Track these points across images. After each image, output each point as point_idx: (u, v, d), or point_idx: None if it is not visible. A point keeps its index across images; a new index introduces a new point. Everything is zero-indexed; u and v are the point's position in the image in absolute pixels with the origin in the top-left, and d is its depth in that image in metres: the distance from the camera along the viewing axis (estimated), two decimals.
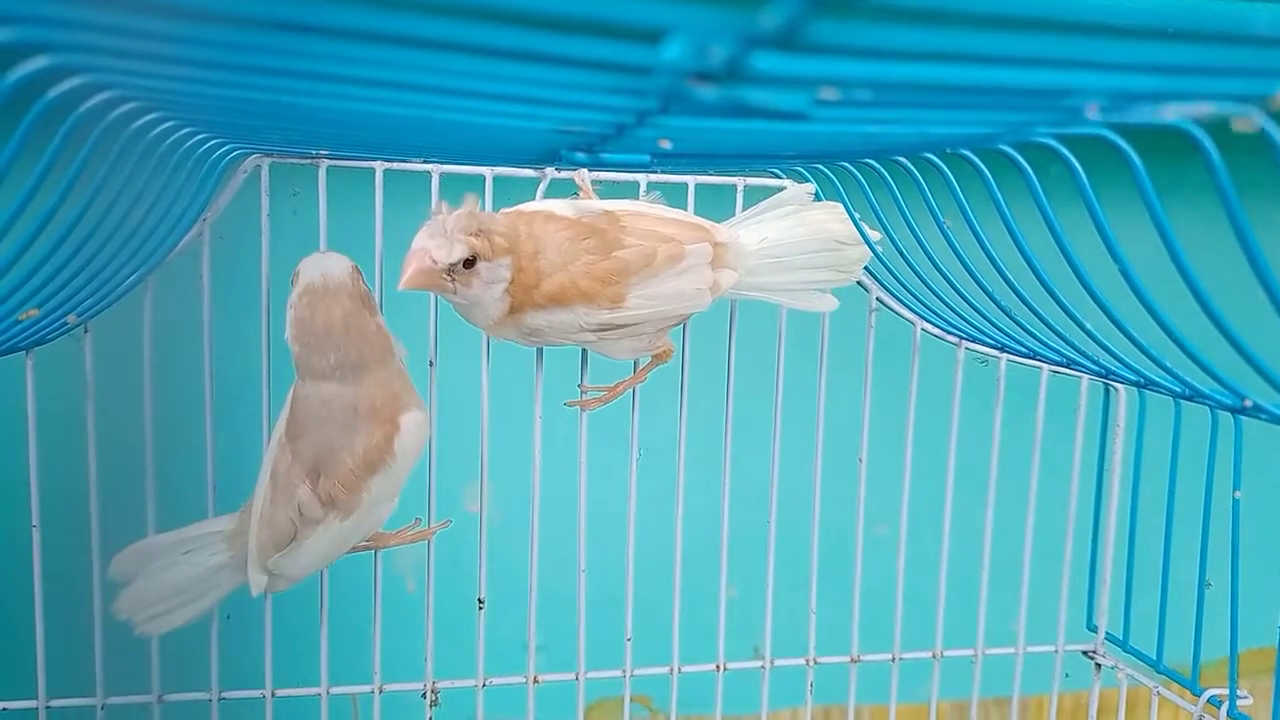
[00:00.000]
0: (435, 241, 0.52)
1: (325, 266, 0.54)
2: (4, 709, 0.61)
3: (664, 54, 0.24)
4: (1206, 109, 0.30)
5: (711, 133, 0.38)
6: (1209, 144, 0.31)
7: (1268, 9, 0.23)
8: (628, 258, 0.56)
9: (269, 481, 0.57)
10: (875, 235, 0.60)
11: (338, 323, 0.53)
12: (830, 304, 0.63)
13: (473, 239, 0.52)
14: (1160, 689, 0.70)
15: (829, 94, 0.27)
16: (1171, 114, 0.30)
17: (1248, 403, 0.46)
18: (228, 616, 0.63)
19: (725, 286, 0.59)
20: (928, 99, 0.30)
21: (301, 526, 0.56)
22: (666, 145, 0.40)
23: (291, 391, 0.57)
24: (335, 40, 0.24)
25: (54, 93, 0.32)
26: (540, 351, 0.64)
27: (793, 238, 0.61)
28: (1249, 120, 0.29)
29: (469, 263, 0.52)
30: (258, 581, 0.57)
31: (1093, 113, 0.30)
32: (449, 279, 0.53)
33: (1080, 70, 0.26)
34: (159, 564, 0.57)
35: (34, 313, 0.48)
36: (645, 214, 0.59)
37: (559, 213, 0.56)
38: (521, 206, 0.58)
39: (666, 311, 0.58)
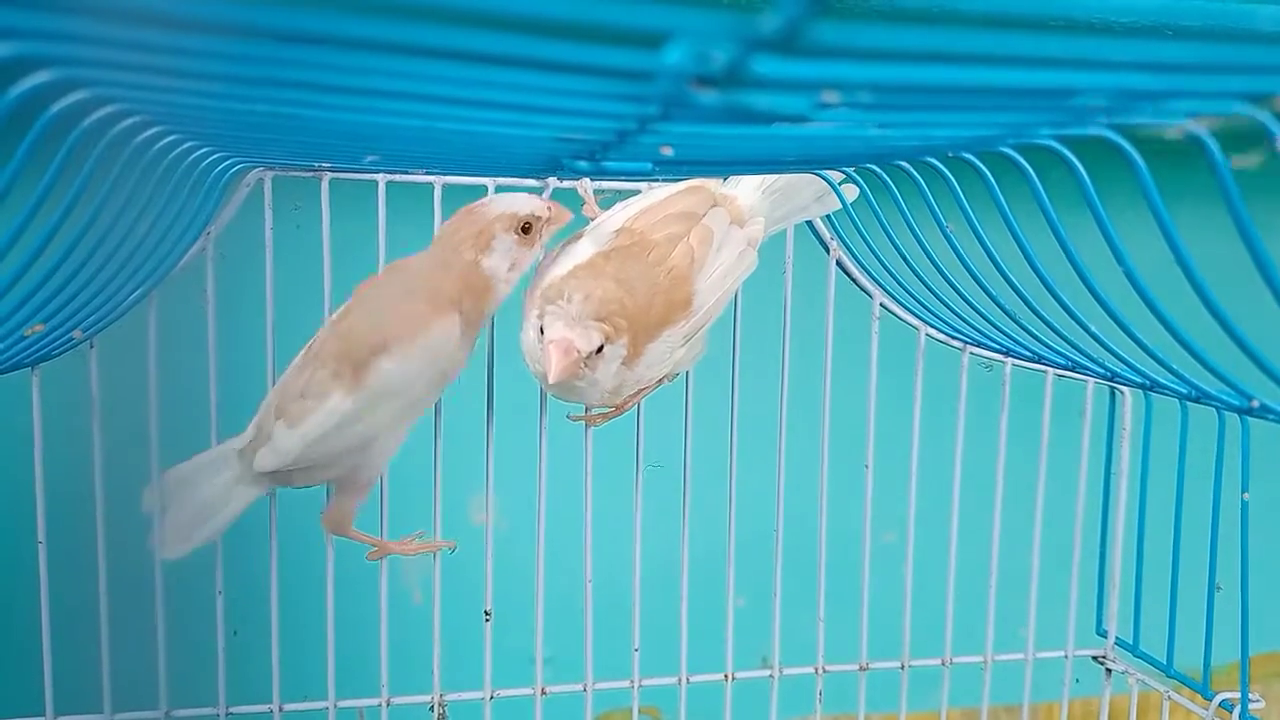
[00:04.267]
0: (575, 331, 0.52)
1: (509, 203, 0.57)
2: None
3: (665, 59, 0.24)
4: (1209, 121, 0.30)
5: (714, 139, 0.38)
6: (1212, 143, 0.31)
7: (1269, 6, 0.23)
8: (677, 261, 0.56)
9: (301, 353, 0.58)
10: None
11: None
12: (853, 192, 0.62)
13: (603, 324, 0.53)
14: (1171, 694, 0.70)
15: (830, 97, 0.27)
16: (1174, 121, 0.30)
17: (1255, 403, 0.46)
18: (234, 632, 0.63)
19: (760, 235, 0.60)
20: (929, 101, 0.30)
21: (309, 399, 0.56)
22: (668, 152, 0.40)
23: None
24: (334, 49, 0.24)
25: (57, 108, 0.32)
26: None
27: None
28: (1251, 158, 0.29)
29: (598, 348, 0.54)
30: (262, 457, 0.56)
31: (1097, 113, 0.30)
32: (584, 366, 0.54)
33: (1082, 70, 0.26)
34: (184, 491, 0.57)
35: (39, 328, 0.49)
36: (648, 209, 0.59)
37: (600, 248, 0.57)
38: (573, 260, 0.57)
39: (727, 289, 0.59)
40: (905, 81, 0.26)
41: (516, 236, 0.56)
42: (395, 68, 0.25)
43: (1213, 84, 0.26)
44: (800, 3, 0.20)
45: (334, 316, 0.59)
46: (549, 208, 0.58)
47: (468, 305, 0.57)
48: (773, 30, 0.22)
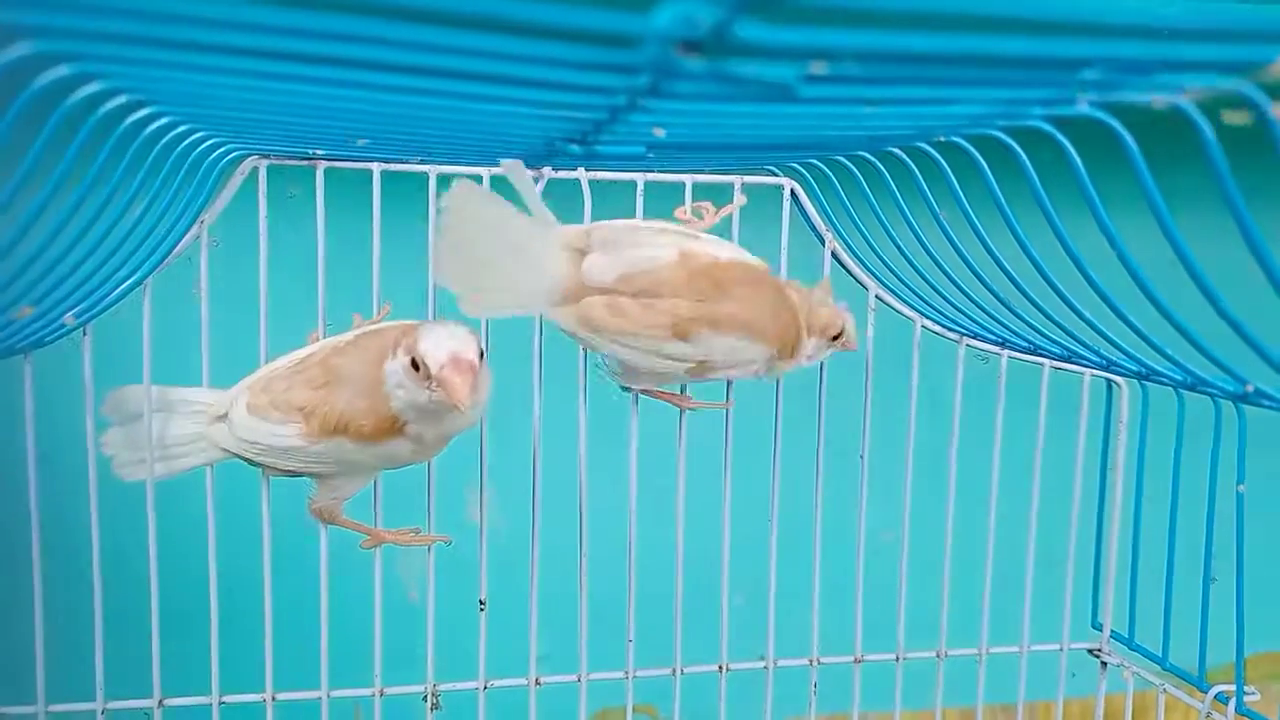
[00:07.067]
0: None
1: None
2: (3, 714, 0.61)
3: (654, 21, 0.24)
4: (1199, 92, 0.30)
5: (704, 118, 0.38)
6: (1201, 120, 0.31)
7: None
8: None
9: (301, 355, 0.58)
10: None
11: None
12: None
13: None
14: (1167, 686, 0.69)
15: (817, 68, 0.27)
16: (1161, 100, 0.30)
17: (1249, 388, 0.46)
18: (229, 622, 0.63)
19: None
20: (917, 73, 0.30)
21: (276, 408, 0.56)
22: (660, 133, 0.40)
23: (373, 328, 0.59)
24: (313, 13, 0.24)
25: (42, 81, 0.32)
26: (540, 358, 0.64)
27: None
28: (1241, 113, 0.29)
29: None
30: (217, 429, 0.58)
31: (1086, 88, 0.30)
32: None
33: (1072, 37, 0.25)
34: (152, 412, 0.58)
35: (29, 311, 0.48)
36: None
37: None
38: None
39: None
40: (892, 49, 0.26)
41: (404, 364, 0.53)
42: (376, 33, 0.25)
43: (1203, 53, 0.26)
44: None
45: (340, 340, 0.58)
46: (449, 367, 0.51)
47: (414, 430, 0.56)
48: None
